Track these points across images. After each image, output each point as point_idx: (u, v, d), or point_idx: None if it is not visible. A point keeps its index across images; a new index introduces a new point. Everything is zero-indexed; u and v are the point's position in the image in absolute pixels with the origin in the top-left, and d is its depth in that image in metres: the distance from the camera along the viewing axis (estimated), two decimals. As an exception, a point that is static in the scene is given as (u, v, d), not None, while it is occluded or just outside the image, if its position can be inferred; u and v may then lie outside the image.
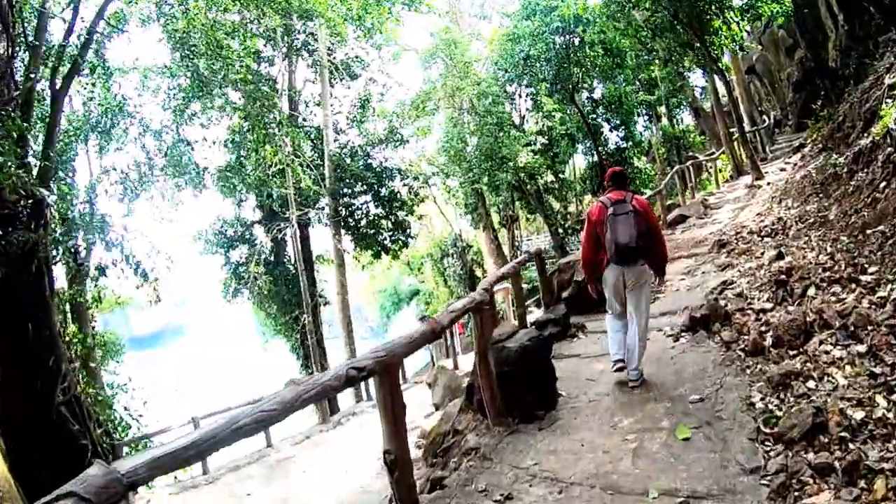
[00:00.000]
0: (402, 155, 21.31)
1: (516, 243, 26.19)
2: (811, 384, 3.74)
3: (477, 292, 4.29)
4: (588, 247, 4.54)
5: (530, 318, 7.63)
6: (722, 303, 5.81)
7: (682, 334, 5.53)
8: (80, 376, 10.11)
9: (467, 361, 11.64)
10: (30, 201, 7.24)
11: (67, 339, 9.83)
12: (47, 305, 7.58)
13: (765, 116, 24.08)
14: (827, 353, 4.10)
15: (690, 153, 24.59)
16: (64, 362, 7.61)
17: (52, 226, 8.57)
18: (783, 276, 6.00)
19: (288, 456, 9.41)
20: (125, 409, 13.69)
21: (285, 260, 18.49)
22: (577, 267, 7.60)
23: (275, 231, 17.29)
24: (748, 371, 4.29)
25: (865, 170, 8.52)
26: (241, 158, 17.35)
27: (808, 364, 4.00)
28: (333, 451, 8.25)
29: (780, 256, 6.84)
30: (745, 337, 4.84)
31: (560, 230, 23.39)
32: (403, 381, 14.25)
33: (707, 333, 5.28)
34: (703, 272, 8.03)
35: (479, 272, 25.59)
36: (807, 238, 7.39)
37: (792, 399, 3.65)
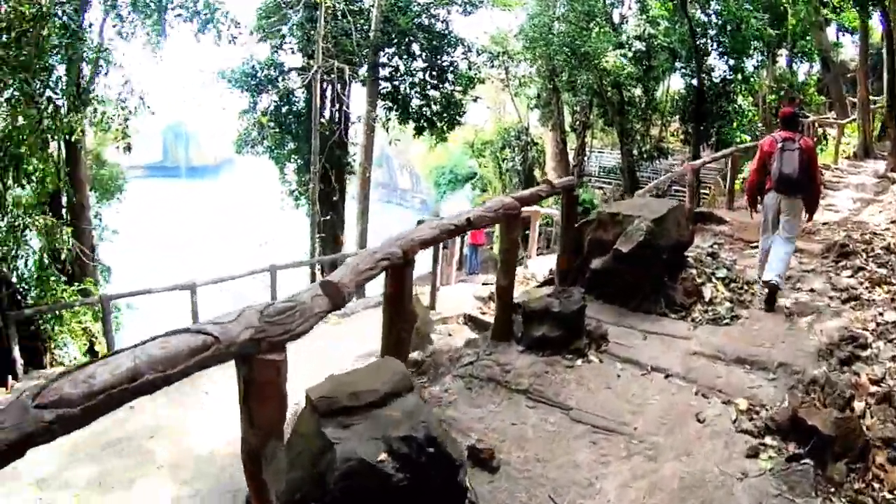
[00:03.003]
0: (472, 23, 18.07)
1: (585, 152, 23.61)
2: None
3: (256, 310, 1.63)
4: (755, 172, 5.09)
5: (524, 288, 5.12)
6: (858, 407, 3.18)
7: (768, 441, 2.98)
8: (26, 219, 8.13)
9: (460, 294, 8.61)
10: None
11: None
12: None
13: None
14: None
15: (805, 112, 20.20)
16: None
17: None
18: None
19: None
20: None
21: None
22: (631, 228, 4.64)
23: (312, 81, 14.54)
24: None
25: None
26: None
27: None
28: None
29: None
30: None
31: (635, 152, 20.14)
32: (359, 296, 11.11)
33: (821, 473, 2.72)
34: (814, 289, 5.21)
35: (537, 173, 23.17)
36: None
37: None
